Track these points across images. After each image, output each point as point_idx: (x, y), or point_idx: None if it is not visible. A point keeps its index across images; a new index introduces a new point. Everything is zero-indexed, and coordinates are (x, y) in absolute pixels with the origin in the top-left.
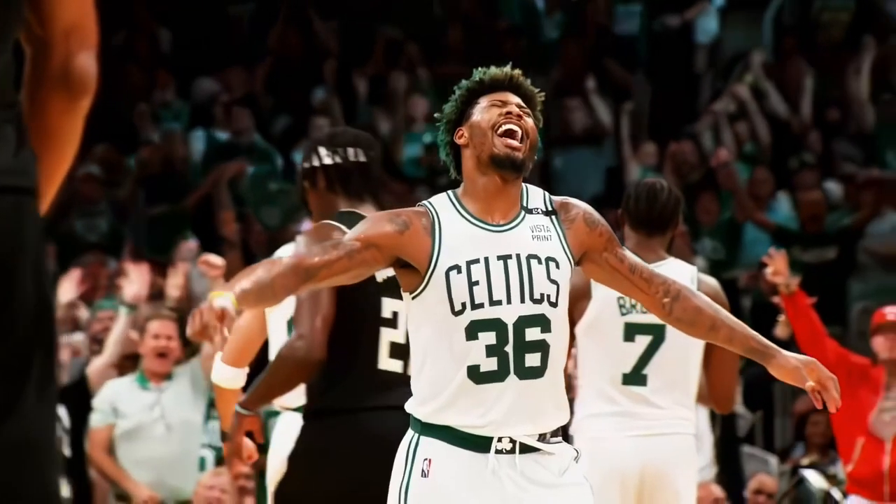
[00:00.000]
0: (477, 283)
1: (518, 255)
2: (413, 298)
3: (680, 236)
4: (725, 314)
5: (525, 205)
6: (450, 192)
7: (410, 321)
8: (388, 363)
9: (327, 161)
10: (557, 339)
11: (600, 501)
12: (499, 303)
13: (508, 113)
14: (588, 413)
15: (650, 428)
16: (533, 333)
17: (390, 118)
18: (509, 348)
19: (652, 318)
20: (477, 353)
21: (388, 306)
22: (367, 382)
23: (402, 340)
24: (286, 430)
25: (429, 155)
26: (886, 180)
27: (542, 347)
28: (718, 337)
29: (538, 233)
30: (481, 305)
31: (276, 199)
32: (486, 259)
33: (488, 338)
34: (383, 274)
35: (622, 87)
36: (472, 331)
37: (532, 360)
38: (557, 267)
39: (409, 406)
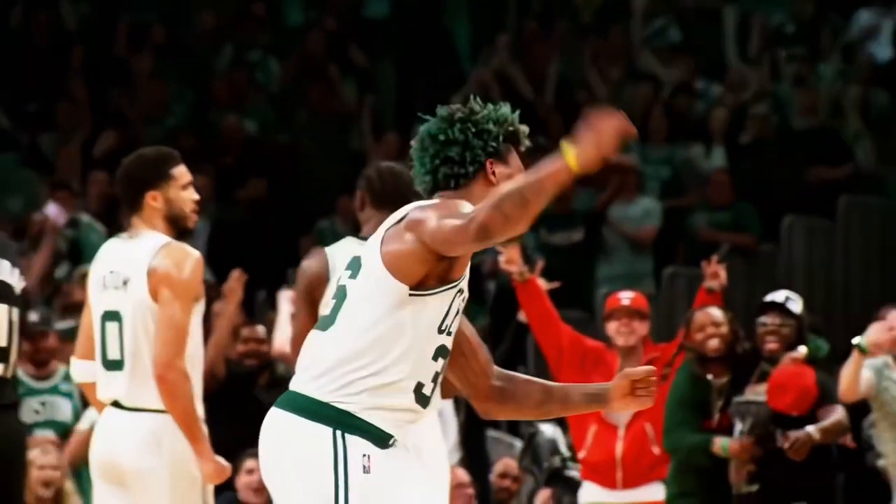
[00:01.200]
0: (457, 312)
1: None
2: (410, 294)
3: None
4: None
5: None
6: None
7: (373, 310)
8: None
9: None
10: None
11: None
12: (452, 334)
13: None
14: None
15: None
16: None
17: (135, 102)
18: (439, 380)
19: None
20: (429, 373)
21: None
22: None
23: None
24: None
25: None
26: (629, 166)
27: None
28: (550, 402)
29: None
30: (451, 334)
31: (20, 186)
32: (462, 290)
33: (440, 365)
34: None
35: (367, 73)
36: (438, 354)
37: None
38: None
39: (335, 397)
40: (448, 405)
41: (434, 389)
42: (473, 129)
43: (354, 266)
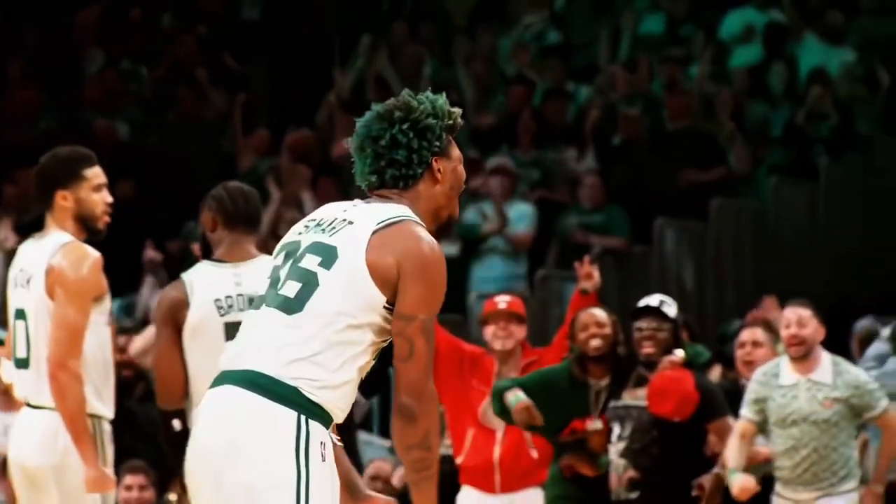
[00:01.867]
0: None
1: None
2: (384, 307)
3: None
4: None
5: None
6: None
7: (347, 308)
8: None
9: None
10: None
11: None
12: None
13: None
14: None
15: None
16: None
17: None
18: None
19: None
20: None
21: None
22: None
23: None
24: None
25: None
26: (506, 169)
27: None
28: None
29: None
30: None
31: None
32: None
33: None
34: None
35: (239, 75)
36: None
37: None
38: None
39: (301, 384)
40: None
41: None
42: (415, 130)
43: (325, 254)
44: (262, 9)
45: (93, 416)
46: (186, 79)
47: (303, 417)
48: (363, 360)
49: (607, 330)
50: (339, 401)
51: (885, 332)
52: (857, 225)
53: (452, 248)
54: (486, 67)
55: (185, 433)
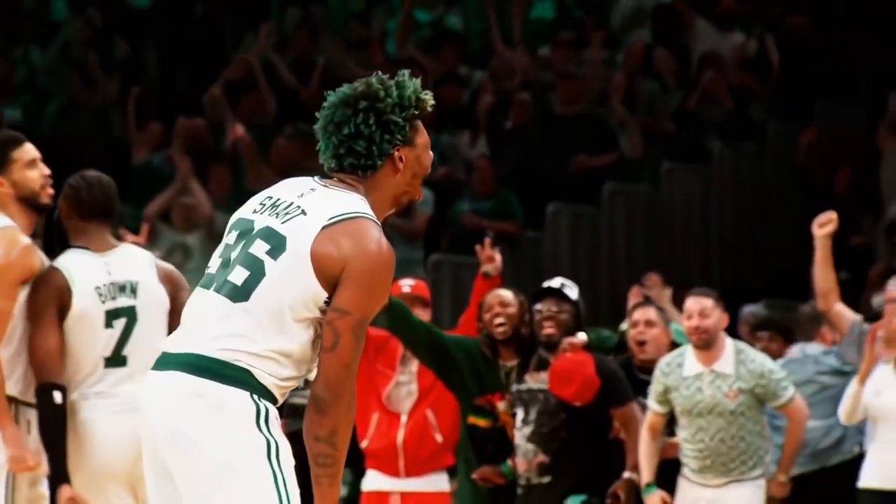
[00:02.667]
0: None
1: None
2: (326, 302)
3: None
4: None
5: None
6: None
7: (292, 301)
8: None
9: None
10: None
11: None
12: None
13: (431, 158)
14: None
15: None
16: None
17: None
18: None
19: (125, 301)
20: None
21: None
22: None
23: None
24: None
25: None
26: None
27: None
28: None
29: None
30: None
31: None
32: None
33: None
34: None
35: (131, 62)
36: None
37: None
38: None
39: (257, 369)
40: None
41: None
42: (379, 122)
43: (274, 243)
44: None
45: (18, 401)
46: (77, 64)
47: (255, 396)
48: (306, 351)
49: (511, 310)
50: (283, 388)
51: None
52: (750, 210)
53: None
54: (379, 53)
55: (64, 407)
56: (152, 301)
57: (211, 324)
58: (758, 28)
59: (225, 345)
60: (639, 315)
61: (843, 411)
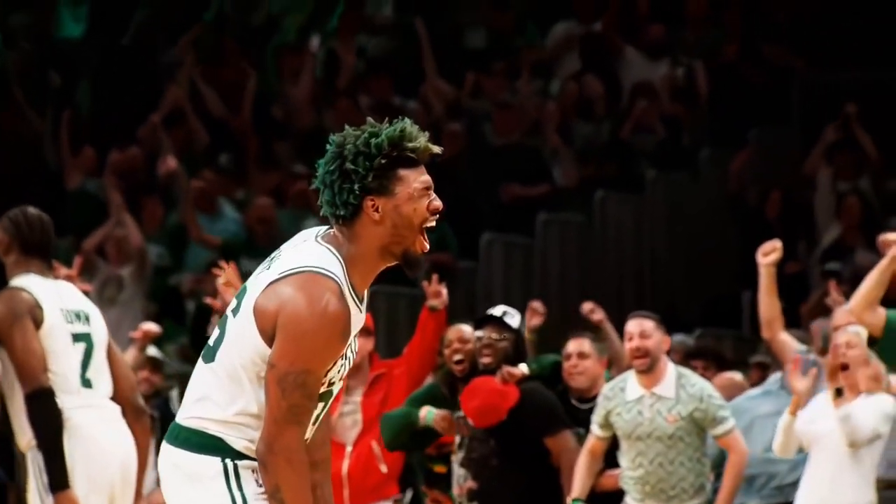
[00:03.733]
0: (342, 365)
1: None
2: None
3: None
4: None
5: None
6: (344, 269)
7: (241, 356)
8: None
9: None
10: None
11: None
12: (339, 381)
13: (436, 208)
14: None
15: None
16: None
17: None
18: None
19: (82, 328)
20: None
21: None
22: None
23: None
24: None
25: None
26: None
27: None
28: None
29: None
30: (333, 383)
31: None
32: (354, 338)
33: (318, 408)
34: None
35: (63, 93)
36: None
37: None
38: None
39: (228, 436)
40: None
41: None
42: (340, 171)
43: (239, 299)
44: (87, 25)
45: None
46: (6, 97)
47: (226, 459)
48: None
49: (470, 346)
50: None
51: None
52: (683, 238)
53: None
54: (314, 82)
55: (60, 410)
56: (102, 332)
57: (190, 389)
58: (685, 57)
59: (195, 412)
60: (572, 347)
61: (776, 444)
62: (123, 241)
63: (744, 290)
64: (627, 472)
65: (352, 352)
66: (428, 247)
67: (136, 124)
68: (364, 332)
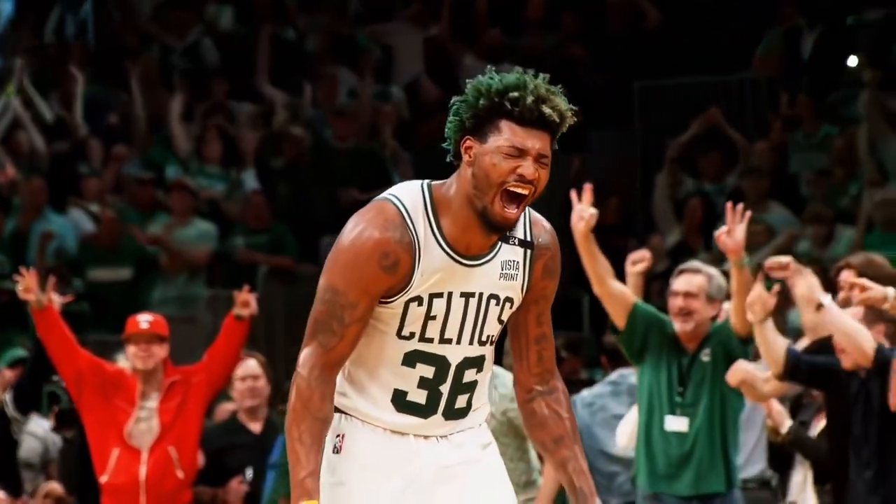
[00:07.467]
0: (434, 317)
1: (481, 295)
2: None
3: None
4: (576, 436)
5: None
6: (428, 202)
7: None
8: None
9: None
10: (485, 376)
11: None
12: (448, 341)
13: (522, 175)
14: None
15: None
16: (470, 375)
17: None
18: (445, 388)
19: None
20: (409, 380)
21: None
22: None
23: None
24: None
25: None
26: (188, 186)
27: (472, 388)
28: (554, 454)
29: (507, 270)
30: (431, 340)
31: None
32: (450, 295)
33: (426, 370)
34: None
35: None
36: (412, 359)
37: (462, 401)
38: (511, 307)
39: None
40: None
41: (436, 398)
42: (454, 107)
43: None
44: None
45: None
46: None
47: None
48: (368, 365)
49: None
50: (365, 413)
51: None
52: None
53: (126, 272)
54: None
55: None
56: None
57: None
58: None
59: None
60: None
61: (621, 433)
62: None
63: (583, 294)
64: None
65: (446, 312)
66: (511, 215)
67: None
68: (156, 339)
